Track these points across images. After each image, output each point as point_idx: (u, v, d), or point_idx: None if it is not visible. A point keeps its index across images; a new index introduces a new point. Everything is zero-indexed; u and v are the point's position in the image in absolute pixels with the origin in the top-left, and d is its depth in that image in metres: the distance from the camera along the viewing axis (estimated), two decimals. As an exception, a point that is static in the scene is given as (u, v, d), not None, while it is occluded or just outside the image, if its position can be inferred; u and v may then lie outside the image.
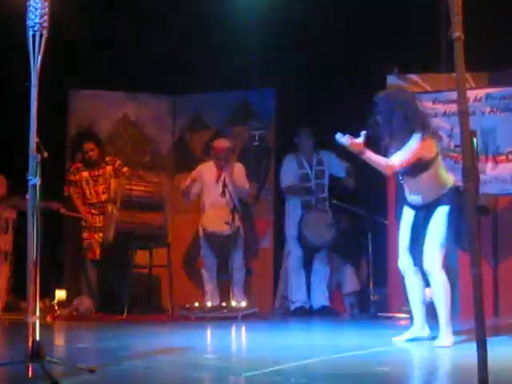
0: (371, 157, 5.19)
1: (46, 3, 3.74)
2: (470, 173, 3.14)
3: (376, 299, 7.91)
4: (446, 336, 5.19)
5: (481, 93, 7.88)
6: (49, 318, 7.38)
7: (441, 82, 7.98)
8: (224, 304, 7.85)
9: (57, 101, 8.39)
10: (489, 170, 7.76)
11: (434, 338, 5.36)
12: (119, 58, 8.73)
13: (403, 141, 5.21)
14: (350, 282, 8.45)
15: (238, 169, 8.40)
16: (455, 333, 5.30)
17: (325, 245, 8.19)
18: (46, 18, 3.74)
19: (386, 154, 5.36)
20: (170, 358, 4.60)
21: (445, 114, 7.87)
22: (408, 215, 5.44)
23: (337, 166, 8.38)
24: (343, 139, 5.19)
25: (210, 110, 9.39)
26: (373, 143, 5.30)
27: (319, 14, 8.20)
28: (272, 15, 8.22)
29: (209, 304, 7.95)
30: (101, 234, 8.19)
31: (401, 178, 5.40)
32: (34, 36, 3.70)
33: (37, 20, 3.71)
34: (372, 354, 4.88)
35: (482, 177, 7.40)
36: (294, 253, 8.30)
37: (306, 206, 8.28)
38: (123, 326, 7.02)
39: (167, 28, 8.68)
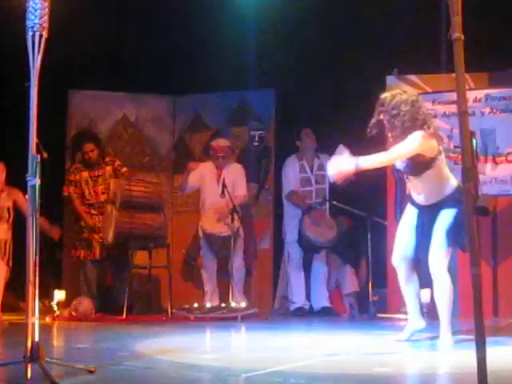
0: (369, 162, 5.15)
1: (46, 4, 3.75)
2: (470, 173, 3.14)
3: (375, 300, 7.91)
4: (446, 337, 5.19)
5: (480, 93, 7.88)
6: (48, 319, 7.39)
7: (440, 82, 7.98)
8: (223, 305, 7.84)
9: (56, 101, 8.39)
10: (488, 171, 7.76)
11: (433, 336, 5.37)
12: (119, 58, 8.74)
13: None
14: (350, 282, 8.46)
15: (238, 171, 8.39)
16: (455, 333, 5.30)
17: (327, 244, 8.19)
18: (45, 18, 3.74)
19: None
20: (169, 358, 4.60)
21: (444, 114, 7.88)
22: (411, 213, 5.42)
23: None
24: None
25: (209, 110, 9.39)
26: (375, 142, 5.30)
27: (319, 14, 8.20)
28: (272, 15, 8.23)
29: (208, 304, 7.94)
30: (100, 235, 8.19)
31: (405, 177, 5.40)
32: (33, 36, 3.70)
33: (36, 20, 3.71)
34: (371, 355, 4.88)
35: (481, 177, 7.41)
36: (293, 254, 8.30)
37: (307, 209, 8.27)
38: (122, 327, 7.02)
39: (167, 28, 8.68)
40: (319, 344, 5.78)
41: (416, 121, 5.16)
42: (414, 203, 5.42)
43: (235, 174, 8.35)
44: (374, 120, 5.29)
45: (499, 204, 7.65)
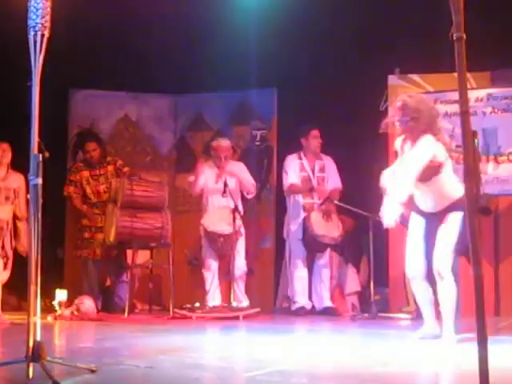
0: (403, 190, 5.20)
1: (48, 3, 3.75)
2: (472, 173, 3.14)
3: (377, 299, 7.91)
4: (450, 337, 5.20)
5: (482, 93, 7.89)
6: (50, 318, 7.39)
7: (442, 82, 7.98)
8: (225, 304, 7.85)
9: (58, 100, 8.39)
10: (490, 171, 7.76)
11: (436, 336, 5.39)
12: (120, 57, 8.73)
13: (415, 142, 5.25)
14: (351, 282, 8.46)
15: (241, 166, 8.40)
16: (456, 333, 5.31)
17: (332, 242, 8.18)
18: (47, 17, 3.74)
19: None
20: (170, 357, 4.60)
21: (446, 114, 7.88)
22: (419, 222, 5.45)
23: (332, 180, 8.37)
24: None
25: (211, 109, 9.39)
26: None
27: (321, 14, 8.19)
28: (273, 14, 8.22)
29: (210, 304, 7.94)
30: (102, 234, 8.19)
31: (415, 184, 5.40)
32: (35, 36, 3.70)
33: (38, 20, 3.71)
34: (373, 354, 4.88)
35: (483, 177, 7.40)
36: (296, 253, 8.29)
37: (307, 208, 8.27)
38: (124, 326, 7.02)
39: (168, 28, 8.67)
40: (321, 343, 5.78)
41: (433, 125, 5.22)
42: (420, 212, 5.44)
43: (240, 169, 8.34)
44: (388, 120, 5.32)
45: (501, 203, 7.66)
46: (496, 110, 7.87)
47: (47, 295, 7.81)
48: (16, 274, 7.59)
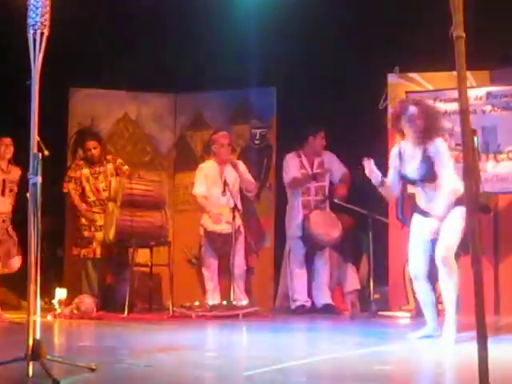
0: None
1: (47, 2, 3.75)
2: (471, 171, 3.14)
3: (377, 298, 7.91)
4: (451, 331, 5.24)
5: (482, 91, 7.89)
6: (50, 317, 7.39)
7: (442, 80, 7.98)
8: (225, 303, 7.84)
9: (58, 99, 8.38)
10: (490, 169, 7.77)
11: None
12: (120, 56, 8.73)
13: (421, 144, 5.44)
14: (351, 280, 8.45)
15: (241, 166, 8.39)
16: (456, 330, 5.31)
17: (331, 243, 8.18)
18: (46, 16, 3.74)
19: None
20: (170, 356, 4.60)
21: (446, 112, 7.87)
22: (421, 223, 5.49)
23: (335, 170, 8.37)
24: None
25: (211, 108, 9.38)
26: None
27: (320, 13, 8.19)
28: (273, 14, 8.21)
29: (210, 302, 7.94)
30: (101, 233, 8.19)
31: (418, 187, 5.46)
32: (34, 34, 3.70)
33: (38, 19, 3.71)
34: (373, 353, 4.88)
35: (482, 175, 7.41)
36: (295, 252, 8.29)
37: (307, 206, 8.27)
38: (124, 325, 7.02)
39: (168, 27, 8.67)
40: (320, 342, 5.78)
41: (442, 130, 5.53)
42: (422, 213, 5.49)
43: (240, 169, 8.32)
44: (397, 125, 5.51)
45: (500, 201, 7.66)
46: (495, 109, 7.87)
47: (47, 294, 7.82)
48: (16, 273, 7.60)
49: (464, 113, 3.16)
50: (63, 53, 7.37)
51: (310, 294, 8.28)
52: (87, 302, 7.76)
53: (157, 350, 4.85)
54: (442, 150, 5.43)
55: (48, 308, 7.73)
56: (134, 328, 6.76)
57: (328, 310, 8.09)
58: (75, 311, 7.66)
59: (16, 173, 7.76)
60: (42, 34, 3.71)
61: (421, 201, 5.53)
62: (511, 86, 7.84)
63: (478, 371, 2.90)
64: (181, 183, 9.23)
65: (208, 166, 8.37)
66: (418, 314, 7.57)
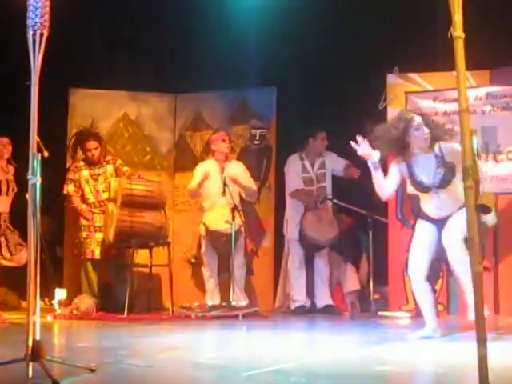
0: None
1: (47, 2, 3.75)
2: (471, 171, 3.14)
3: (376, 298, 7.91)
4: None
5: (481, 91, 7.89)
6: (49, 317, 7.39)
7: (441, 80, 7.98)
8: (224, 303, 7.85)
9: (57, 100, 8.39)
10: (489, 169, 7.76)
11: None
12: (120, 56, 8.73)
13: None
14: (351, 280, 8.44)
15: (242, 169, 8.38)
16: (455, 330, 5.33)
17: (327, 243, 8.18)
18: (46, 17, 3.74)
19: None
20: (170, 356, 4.60)
21: (445, 112, 7.88)
22: (427, 228, 5.52)
23: (337, 165, 8.36)
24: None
25: (210, 108, 9.39)
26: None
27: (321, 13, 8.19)
28: (273, 14, 8.22)
29: (209, 303, 7.94)
30: (101, 234, 8.19)
31: (434, 192, 5.49)
32: (34, 35, 3.70)
33: (37, 19, 3.71)
34: (372, 353, 4.88)
35: (482, 175, 7.40)
36: (295, 252, 8.28)
37: (307, 207, 8.27)
38: (124, 325, 7.02)
39: (167, 27, 8.68)
40: (320, 342, 5.78)
41: (449, 131, 5.61)
42: (429, 219, 5.52)
43: (241, 173, 8.33)
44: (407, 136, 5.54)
45: (500, 202, 7.65)
46: (495, 109, 7.87)
47: (47, 294, 7.82)
48: (16, 273, 7.59)
49: (463, 113, 3.16)
50: (63, 53, 7.37)
51: (310, 295, 8.28)
52: (87, 302, 7.76)
53: (156, 351, 4.85)
54: (456, 149, 5.43)
55: (48, 308, 7.73)
56: (133, 328, 6.76)
57: (328, 311, 8.09)
58: (75, 312, 7.66)
59: (12, 172, 7.77)
60: (41, 34, 3.71)
61: (430, 207, 5.55)
62: (511, 86, 7.84)
63: (478, 371, 2.90)
64: (180, 183, 9.23)
65: (207, 165, 8.37)
66: (417, 314, 7.58)
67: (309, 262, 8.31)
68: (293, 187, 8.33)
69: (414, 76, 8.29)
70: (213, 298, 8.08)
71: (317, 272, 8.28)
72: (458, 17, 3.11)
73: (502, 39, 7.38)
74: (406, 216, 8.25)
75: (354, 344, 5.54)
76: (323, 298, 8.23)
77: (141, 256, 8.24)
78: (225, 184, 7.91)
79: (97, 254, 8.28)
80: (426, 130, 5.49)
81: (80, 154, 8.70)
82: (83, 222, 8.37)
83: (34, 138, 3.67)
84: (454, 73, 3.15)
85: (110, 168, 8.44)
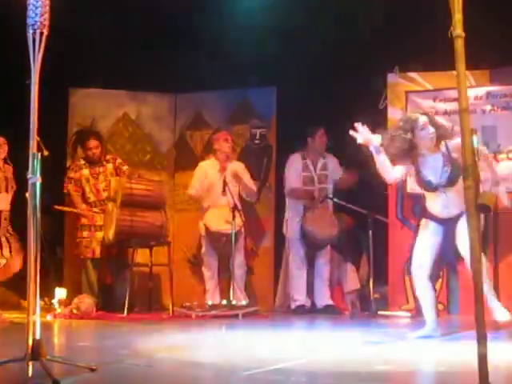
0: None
1: (47, 1, 3.75)
2: (471, 171, 3.14)
3: (376, 297, 7.91)
4: (501, 309, 5.45)
5: (481, 91, 7.89)
6: (49, 317, 7.39)
7: (441, 80, 7.98)
8: (224, 302, 7.84)
9: (58, 99, 8.38)
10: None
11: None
12: (120, 56, 8.73)
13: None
14: (351, 280, 8.45)
15: (242, 170, 8.38)
16: (455, 330, 5.32)
17: (328, 241, 8.18)
18: (46, 16, 3.74)
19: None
20: (170, 356, 4.60)
21: (445, 112, 7.88)
22: (433, 227, 5.53)
23: (335, 173, 8.38)
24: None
25: (210, 108, 9.39)
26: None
27: (321, 12, 8.19)
28: (273, 14, 8.21)
29: (209, 302, 7.95)
30: (101, 233, 8.19)
31: (441, 191, 5.49)
32: (34, 34, 3.70)
33: (37, 18, 3.71)
34: (373, 352, 4.88)
35: (482, 175, 7.39)
36: (296, 251, 8.28)
37: (307, 206, 8.26)
38: (124, 325, 7.02)
39: (167, 26, 8.67)
40: (320, 342, 5.78)
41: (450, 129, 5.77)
42: (435, 218, 5.53)
43: (241, 174, 8.33)
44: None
45: (500, 201, 7.64)
46: (495, 108, 7.87)
47: (47, 294, 7.82)
48: (15, 272, 7.59)
49: (463, 112, 3.16)
50: (63, 52, 7.37)
51: (310, 295, 8.28)
52: (87, 301, 7.76)
53: (157, 350, 4.85)
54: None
55: (48, 308, 7.73)
56: (133, 328, 6.76)
57: (328, 311, 8.09)
58: (75, 311, 7.66)
59: (10, 171, 7.78)
60: (41, 33, 3.71)
61: (436, 206, 5.55)
62: (511, 86, 7.83)
63: (478, 370, 2.90)
64: (180, 183, 9.23)
65: (208, 165, 8.38)
66: (417, 313, 7.58)
67: (309, 262, 8.31)
68: (290, 186, 8.32)
69: (414, 75, 8.29)
70: (213, 298, 8.08)
71: (317, 271, 8.28)
72: (458, 16, 3.11)
73: (502, 39, 7.38)
74: (407, 216, 8.25)
75: (354, 343, 5.54)
76: (323, 298, 8.23)
77: (141, 255, 8.24)
78: (225, 184, 7.91)
79: (97, 254, 8.28)
80: (432, 129, 5.50)
81: (80, 152, 8.71)
82: (84, 221, 8.37)
83: (34, 138, 3.67)
84: (455, 72, 3.15)
85: (110, 167, 8.45)
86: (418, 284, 5.63)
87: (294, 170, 8.33)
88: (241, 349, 5.39)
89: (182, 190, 9.12)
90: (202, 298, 8.11)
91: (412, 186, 8.17)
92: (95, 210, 8.36)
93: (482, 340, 2.94)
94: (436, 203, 5.57)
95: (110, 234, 7.88)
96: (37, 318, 3.63)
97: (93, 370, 3.75)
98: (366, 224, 7.89)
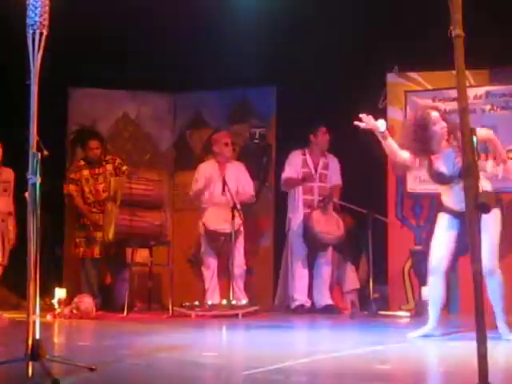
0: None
1: (46, 1, 3.74)
2: (471, 170, 3.14)
3: (376, 297, 7.91)
4: (504, 327, 5.36)
5: (481, 90, 7.89)
6: (49, 317, 7.39)
7: (441, 79, 7.98)
8: (224, 302, 7.84)
9: (57, 99, 8.38)
10: (489, 168, 7.75)
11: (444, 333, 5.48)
12: (119, 56, 8.72)
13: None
14: (351, 279, 8.45)
15: (240, 170, 8.39)
16: (456, 329, 5.32)
17: (334, 242, 8.18)
18: (45, 16, 3.74)
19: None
20: (170, 356, 4.60)
21: (445, 112, 7.87)
22: (450, 222, 5.54)
23: (334, 177, 8.39)
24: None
25: (210, 108, 9.39)
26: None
27: (320, 12, 8.19)
28: (273, 13, 8.21)
29: (209, 302, 7.94)
30: (101, 233, 8.19)
31: (455, 184, 5.49)
32: (33, 34, 3.70)
33: (37, 18, 3.71)
34: (372, 352, 4.88)
35: (482, 174, 7.39)
36: (297, 251, 8.27)
37: (309, 206, 8.27)
38: (123, 324, 7.03)
39: (167, 26, 8.66)
40: (320, 341, 5.78)
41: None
42: (452, 212, 5.53)
43: (238, 172, 8.34)
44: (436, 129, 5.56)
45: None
46: (495, 108, 7.87)
47: (46, 294, 7.82)
48: (15, 272, 7.59)
49: (463, 112, 3.16)
50: (62, 52, 7.36)
51: (310, 294, 8.28)
52: (87, 301, 7.75)
53: (156, 350, 4.85)
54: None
55: (48, 308, 7.73)
56: (133, 328, 6.76)
57: (328, 310, 8.08)
58: (75, 311, 7.65)
59: (7, 174, 7.78)
60: (41, 33, 3.71)
61: (452, 200, 5.54)
62: (510, 85, 7.83)
63: (478, 370, 2.90)
64: (180, 182, 9.24)
65: (208, 166, 8.38)
66: (417, 313, 7.59)
67: (309, 262, 8.31)
68: (286, 176, 8.33)
69: (413, 75, 8.29)
70: (213, 298, 8.07)
71: (317, 271, 8.28)
72: (457, 15, 3.11)
73: (502, 38, 7.37)
74: (406, 215, 8.26)
75: (354, 343, 5.54)
76: (323, 298, 8.23)
77: (141, 255, 8.24)
78: (224, 183, 7.91)
79: (97, 254, 8.28)
80: (444, 124, 5.51)
81: (80, 152, 8.71)
82: (84, 221, 8.37)
83: (33, 137, 3.67)
84: (454, 72, 3.15)
85: (109, 167, 8.45)
86: (432, 278, 5.61)
87: (294, 166, 8.35)
88: (240, 348, 5.39)
89: (182, 189, 9.13)
90: (202, 298, 8.10)
91: (412, 186, 8.19)
92: (95, 210, 8.37)
93: (481, 339, 2.94)
94: (451, 196, 5.56)
95: (110, 233, 7.88)
96: (37, 318, 3.63)
97: (92, 370, 3.75)
98: (365, 224, 7.89)
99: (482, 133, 5.37)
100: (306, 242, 8.20)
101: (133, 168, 8.63)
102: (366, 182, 8.06)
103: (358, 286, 8.42)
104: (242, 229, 8.13)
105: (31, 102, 3.69)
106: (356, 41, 8.16)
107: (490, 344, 2.93)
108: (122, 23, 8.59)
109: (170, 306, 7.72)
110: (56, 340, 5.95)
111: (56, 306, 7.70)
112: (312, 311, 8.14)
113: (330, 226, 8.11)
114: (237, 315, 7.45)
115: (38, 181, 3.66)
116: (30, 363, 3.51)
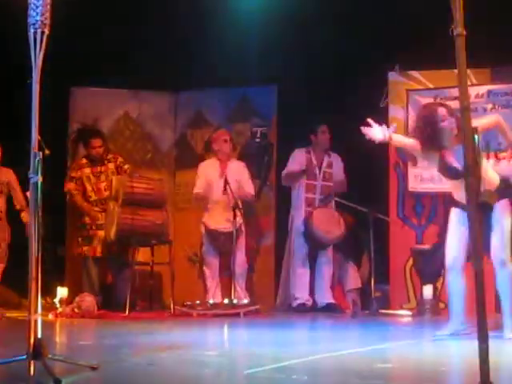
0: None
1: (48, 1, 3.74)
2: (472, 169, 3.14)
3: (378, 296, 7.91)
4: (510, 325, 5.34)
5: (483, 89, 7.89)
6: (51, 316, 7.39)
7: (442, 78, 7.98)
8: (226, 301, 7.85)
9: (58, 98, 8.38)
10: (490, 167, 7.75)
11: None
12: (120, 55, 8.72)
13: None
14: (352, 278, 8.45)
15: (241, 169, 8.39)
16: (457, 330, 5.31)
17: (334, 241, 8.18)
18: (47, 15, 3.73)
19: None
20: (171, 354, 4.60)
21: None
22: (462, 217, 5.52)
23: (336, 173, 8.39)
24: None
25: (211, 107, 9.38)
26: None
27: (321, 11, 8.19)
28: (273, 12, 8.21)
29: (211, 301, 7.95)
30: (102, 232, 8.19)
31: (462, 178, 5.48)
32: (35, 33, 3.70)
33: (38, 17, 3.71)
34: (374, 351, 4.88)
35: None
36: (298, 250, 8.28)
37: (311, 204, 8.27)
38: (125, 323, 7.03)
39: (168, 25, 8.67)
40: (322, 340, 5.78)
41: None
42: (462, 206, 5.51)
43: (239, 171, 8.34)
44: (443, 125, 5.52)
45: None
46: (496, 107, 7.87)
47: (48, 293, 7.82)
48: (16, 271, 7.59)
49: (465, 111, 3.15)
50: (64, 52, 7.37)
51: (311, 293, 8.28)
52: (88, 300, 7.75)
53: (158, 349, 4.85)
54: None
55: (49, 307, 7.73)
56: (135, 327, 6.76)
57: (329, 309, 8.09)
58: (76, 310, 7.66)
59: (5, 174, 7.81)
60: (42, 32, 3.71)
61: (461, 193, 5.50)
62: (512, 84, 7.84)
63: (479, 369, 2.90)
64: (181, 181, 9.24)
65: (209, 165, 8.39)
66: (418, 312, 7.59)
67: (312, 261, 8.31)
68: (288, 170, 8.34)
69: (415, 74, 8.29)
70: (214, 297, 8.08)
71: (319, 270, 8.29)
72: (459, 14, 3.10)
73: (504, 37, 7.37)
74: (408, 214, 8.25)
75: (355, 342, 5.54)
76: (324, 296, 8.23)
77: (142, 254, 8.24)
78: (226, 182, 7.91)
79: (98, 252, 8.28)
80: (452, 119, 5.50)
81: (82, 151, 8.71)
82: (85, 220, 8.37)
83: (35, 137, 3.67)
84: (455, 71, 3.15)
85: (111, 166, 8.45)
86: (450, 274, 5.57)
87: (298, 162, 8.35)
88: (242, 347, 5.39)
89: (183, 188, 9.13)
90: (204, 297, 8.11)
91: (413, 185, 8.19)
92: (97, 208, 8.37)
93: (483, 338, 2.94)
94: (461, 190, 5.52)
95: (112, 232, 7.88)
96: (38, 317, 3.63)
97: (94, 369, 3.75)
98: (367, 222, 7.89)
99: (483, 122, 5.36)
100: (307, 240, 8.21)
101: (134, 167, 8.63)
102: (367, 181, 8.06)
103: (360, 285, 8.42)
104: (243, 228, 8.14)
105: (33, 100, 3.69)
106: (357, 39, 8.16)
107: (492, 343, 2.93)
108: (124, 22, 8.60)
109: (172, 305, 7.72)
110: (58, 339, 5.95)
111: (58, 304, 7.71)
112: (313, 310, 8.14)
113: (331, 225, 8.11)
114: (238, 314, 7.45)
115: (40, 180, 3.66)
116: (32, 362, 3.51)
